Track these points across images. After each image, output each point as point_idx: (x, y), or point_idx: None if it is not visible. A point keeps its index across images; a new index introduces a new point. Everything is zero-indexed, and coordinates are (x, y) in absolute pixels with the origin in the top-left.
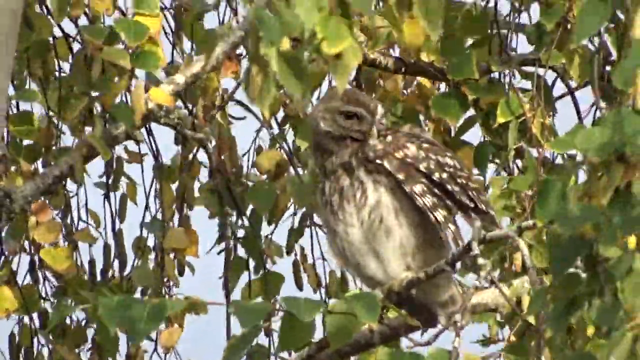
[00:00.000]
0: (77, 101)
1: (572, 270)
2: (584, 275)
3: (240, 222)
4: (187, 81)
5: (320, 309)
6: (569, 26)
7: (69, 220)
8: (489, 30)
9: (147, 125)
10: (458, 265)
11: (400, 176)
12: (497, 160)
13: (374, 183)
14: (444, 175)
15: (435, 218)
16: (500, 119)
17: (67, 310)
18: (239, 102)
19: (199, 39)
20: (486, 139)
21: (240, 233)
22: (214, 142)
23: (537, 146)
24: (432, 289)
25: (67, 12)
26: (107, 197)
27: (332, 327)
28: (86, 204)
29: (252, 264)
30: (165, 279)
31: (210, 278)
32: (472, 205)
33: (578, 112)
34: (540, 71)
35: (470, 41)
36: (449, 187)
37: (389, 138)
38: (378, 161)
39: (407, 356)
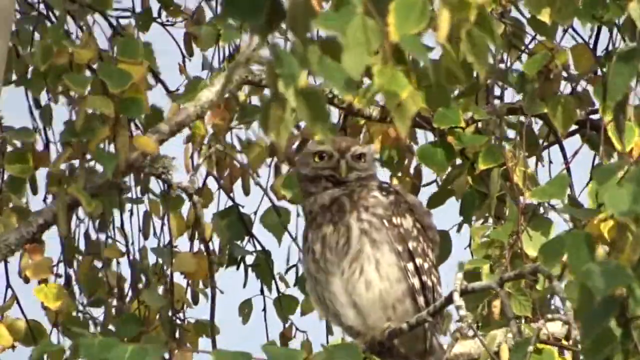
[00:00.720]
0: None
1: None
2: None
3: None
4: (172, 130)
5: (301, 358)
6: (551, 75)
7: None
8: (475, 79)
9: None
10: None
11: (399, 248)
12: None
13: (360, 231)
14: (425, 266)
15: (418, 303)
16: (482, 166)
17: (49, 348)
18: (226, 152)
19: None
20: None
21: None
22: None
23: (519, 195)
24: (411, 339)
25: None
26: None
27: None
28: (113, 221)
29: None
30: (182, 305)
31: (226, 301)
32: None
33: (565, 160)
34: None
35: (456, 90)
36: (424, 277)
37: (392, 198)
38: (378, 213)
39: None
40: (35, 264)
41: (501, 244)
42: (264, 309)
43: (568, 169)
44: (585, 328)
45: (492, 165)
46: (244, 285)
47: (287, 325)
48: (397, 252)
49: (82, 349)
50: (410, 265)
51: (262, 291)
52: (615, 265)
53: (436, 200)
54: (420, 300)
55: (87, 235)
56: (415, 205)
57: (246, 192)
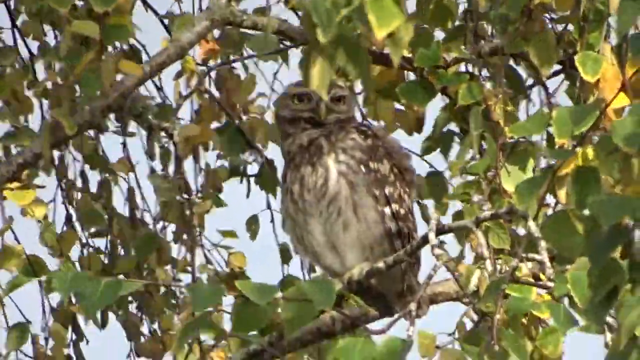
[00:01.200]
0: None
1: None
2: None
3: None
4: (152, 70)
5: (276, 293)
6: (532, 15)
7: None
8: (464, 22)
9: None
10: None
11: (376, 192)
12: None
13: (338, 173)
14: (401, 212)
15: (395, 247)
16: (462, 102)
17: (22, 282)
18: (207, 92)
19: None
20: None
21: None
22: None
23: (498, 132)
24: (389, 279)
25: None
26: (124, 144)
27: (287, 313)
28: (103, 151)
29: None
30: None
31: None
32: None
33: (549, 101)
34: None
35: (441, 32)
36: (400, 223)
37: (369, 142)
38: (356, 155)
39: (360, 344)
40: (18, 190)
41: (480, 179)
42: (272, 220)
43: (550, 108)
44: (592, 259)
45: (472, 102)
46: (247, 196)
47: None
48: (374, 196)
49: (56, 281)
50: (387, 210)
51: (268, 204)
52: (622, 196)
53: (429, 147)
54: (397, 244)
55: (82, 173)
56: (394, 148)
57: (244, 109)
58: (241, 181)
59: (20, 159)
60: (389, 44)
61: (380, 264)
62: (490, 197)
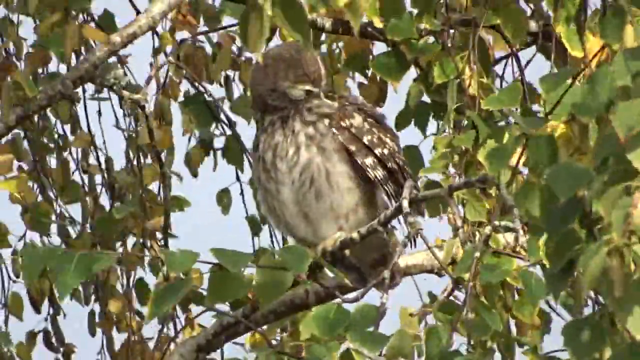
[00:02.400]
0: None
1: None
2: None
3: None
4: (123, 41)
5: (250, 260)
6: None
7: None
8: None
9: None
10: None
11: (352, 148)
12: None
13: (307, 138)
14: (385, 152)
15: (387, 191)
16: (438, 80)
17: None
18: (178, 64)
19: None
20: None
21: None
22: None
23: (473, 105)
24: (363, 249)
25: None
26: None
27: (260, 282)
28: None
29: None
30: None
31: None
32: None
33: (521, 72)
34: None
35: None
36: (388, 164)
37: (336, 103)
38: (323, 112)
39: (334, 311)
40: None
41: (461, 152)
42: (242, 193)
43: (522, 80)
44: (549, 230)
45: (447, 80)
46: (214, 169)
47: None
48: (347, 160)
49: (25, 257)
50: (369, 160)
51: (237, 177)
52: (578, 166)
53: (403, 120)
54: (388, 190)
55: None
56: (364, 104)
57: (211, 81)
58: (207, 154)
59: None
60: (348, 12)
61: (354, 235)
62: (466, 170)
